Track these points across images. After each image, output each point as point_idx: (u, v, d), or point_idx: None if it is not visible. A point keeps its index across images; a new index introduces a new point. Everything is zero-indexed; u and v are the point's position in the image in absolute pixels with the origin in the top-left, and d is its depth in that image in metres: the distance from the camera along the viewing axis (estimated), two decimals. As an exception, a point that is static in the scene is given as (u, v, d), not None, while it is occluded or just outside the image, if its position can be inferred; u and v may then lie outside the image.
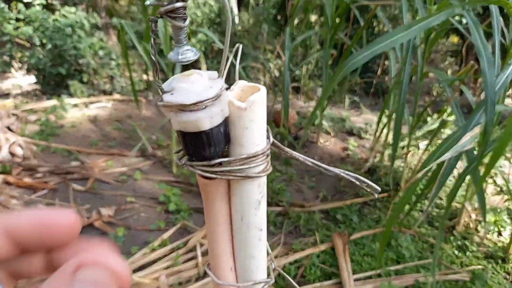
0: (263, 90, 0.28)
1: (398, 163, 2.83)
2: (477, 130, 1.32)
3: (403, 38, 1.45)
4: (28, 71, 4.04)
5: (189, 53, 0.26)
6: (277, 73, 3.87)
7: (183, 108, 0.26)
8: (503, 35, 1.61)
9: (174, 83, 0.27)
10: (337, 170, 0.33)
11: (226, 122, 0.28)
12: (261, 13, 3.95)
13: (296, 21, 3.81)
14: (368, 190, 0.33)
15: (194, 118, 0.26)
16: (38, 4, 3.79)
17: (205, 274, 1.71)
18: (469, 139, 1.31)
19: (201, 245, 1.82)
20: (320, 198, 2.43)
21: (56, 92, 3.88)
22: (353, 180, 0.33)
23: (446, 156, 1.27)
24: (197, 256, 1.75)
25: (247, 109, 0.27)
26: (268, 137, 0.31)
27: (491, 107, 1.27)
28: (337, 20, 2.51)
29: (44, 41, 3.70)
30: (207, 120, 0.26)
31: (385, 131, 2.81)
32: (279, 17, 4.87)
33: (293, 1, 2.96)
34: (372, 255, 1.88)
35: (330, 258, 1.84)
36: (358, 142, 3.37)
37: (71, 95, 3.82)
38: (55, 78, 3.96)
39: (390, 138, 2.93)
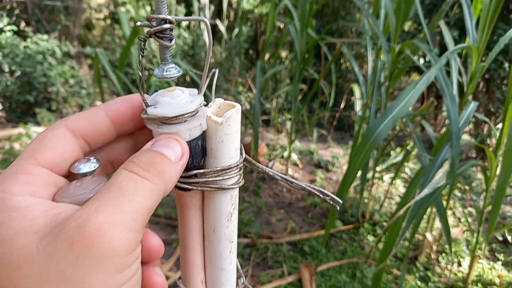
0: (238, 107, 0.31)
1: (363, 195, 2.89)
2: (446, 165, 1.37)
3: (415, 94, 1.45)
4: (-6, 98, 3.94)
5: (173, 70, 0.28)
6: (248, 106, 3.93)
7: (165, 120, 0.28)
8: (459, 73, 1.72)
9: (158, 97, 0.29)
10: (303, 184, 0.36)
11: (203, 136, 0.30)
12: (234, 47, 4.05)
13: (267, 56, 3.93)
14: (331, 203, 0.36)
15: (174, 130, 0.28)
16: (9, 31, 3.75)
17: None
18: (442, 175, 1.36)
19: (168, 278, 1.78)
20: (288, 230, 2.44)
21: (22, 120, 3.78)
22: (317, 193, 0.35)
23: (424, 192, 1.30)
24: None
25: (223, 124, 0.29)
26: (241, 153, 0.34)
27: (456, 142, 1.32)
28: (306, 56, 2.60)
29: (13, 68, 3.64)
30: (186, 133, 0.28)
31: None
32: (251, 51, 5.00)
33: (264, 36, 3.07)
34: (338, 286, 1.89)
35: (297, 289, 1.84)
36: (325, 174, 3.43)
37: (38, 123, 3.73)
38: (22, 106, 3.88)
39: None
